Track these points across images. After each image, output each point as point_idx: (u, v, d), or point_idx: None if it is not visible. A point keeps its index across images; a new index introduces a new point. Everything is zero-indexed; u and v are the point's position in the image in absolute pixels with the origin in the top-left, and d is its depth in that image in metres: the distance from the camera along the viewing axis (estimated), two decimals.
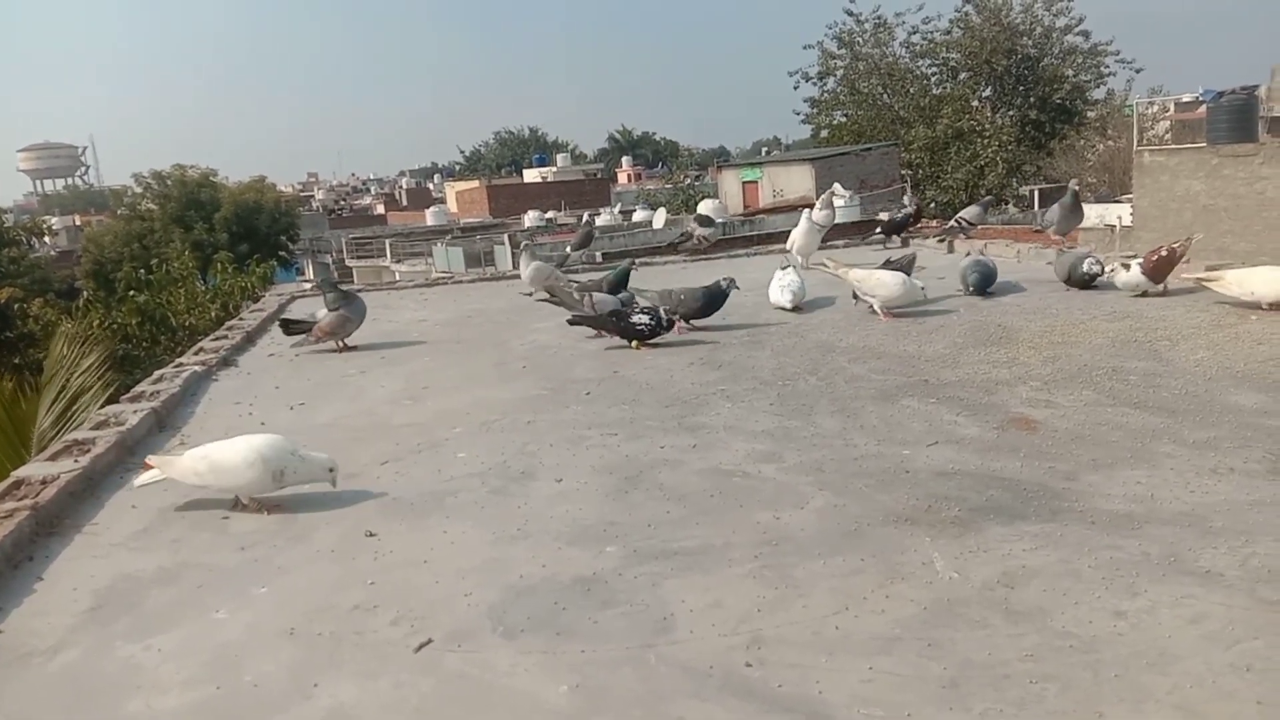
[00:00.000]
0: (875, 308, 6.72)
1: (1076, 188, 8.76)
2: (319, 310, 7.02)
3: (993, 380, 4.93)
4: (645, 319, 6.20)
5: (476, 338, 7.07)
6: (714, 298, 6.62)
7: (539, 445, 4.34)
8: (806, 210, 9.21)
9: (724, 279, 6.68)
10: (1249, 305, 6.03)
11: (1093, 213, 25.66)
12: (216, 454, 3.69)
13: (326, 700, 2.41)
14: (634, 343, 6.23)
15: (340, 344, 6.90)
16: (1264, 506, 3.18)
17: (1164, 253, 6.71)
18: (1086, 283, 7.09)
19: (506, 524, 3.45)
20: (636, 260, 7.62)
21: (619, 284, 7.22)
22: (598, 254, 16.83)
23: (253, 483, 3.64)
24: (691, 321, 6.65)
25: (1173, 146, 23.59)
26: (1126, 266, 6.78)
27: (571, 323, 6.61)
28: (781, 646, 2.51)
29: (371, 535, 3.42)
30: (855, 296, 6.98)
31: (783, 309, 7.16)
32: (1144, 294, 6.71)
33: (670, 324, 6.24)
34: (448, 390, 5.56)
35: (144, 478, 3.87)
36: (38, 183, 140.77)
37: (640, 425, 4.55)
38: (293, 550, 3.36)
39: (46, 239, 38.37)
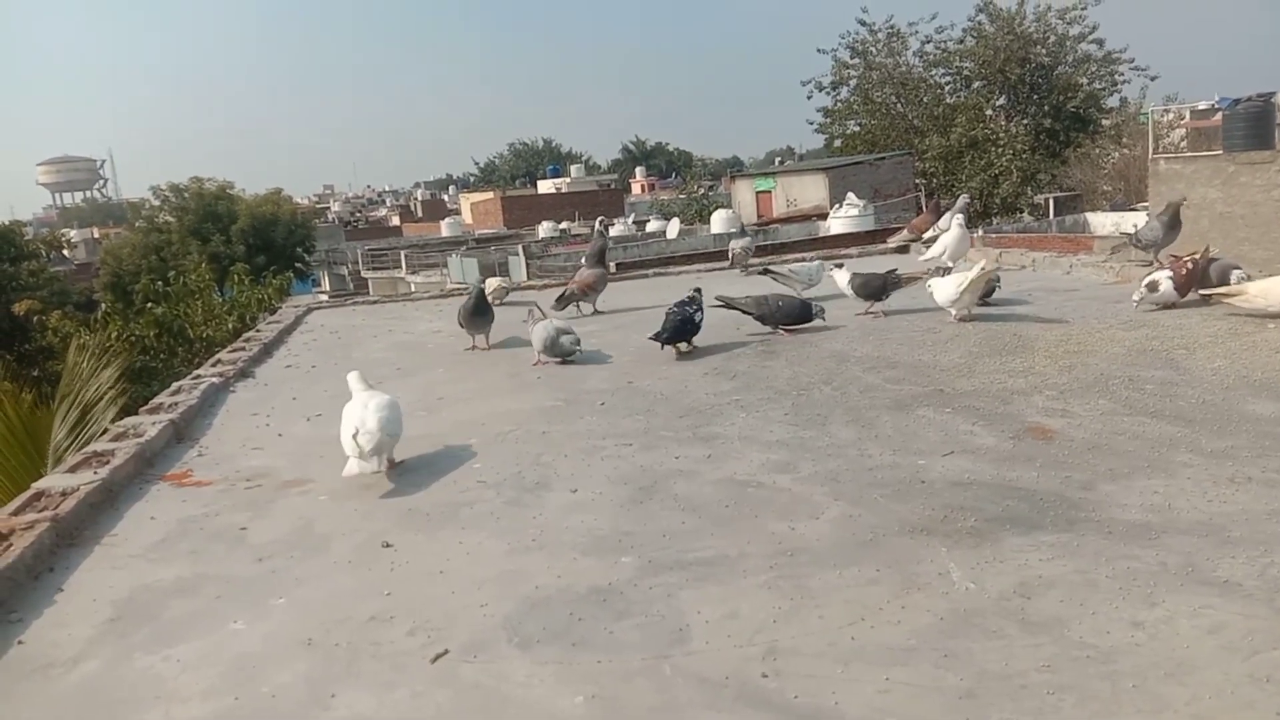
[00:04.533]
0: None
1: (1180, 200, 8.14)
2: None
3: (1008, 389, 4.91)
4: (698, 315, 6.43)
5: (491, 349, 7.09)
6: (808, 308, 6.71)
7: (554, 456, 4.36)
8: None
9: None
10: (1274, 316, 5.86)
11: (1109, 221, 25.61)
12: None
13: (344, 711, 2.43)
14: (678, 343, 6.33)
15: (593, 307, 8.26)
16: None
17: (1190, 265, 6.50)
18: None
19: (522, 534, 3.47)
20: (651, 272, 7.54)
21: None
22: (612, 265, 16.83)
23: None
24: (782, 329, 6.72)
25: (1189, 154, 23.51)
26: (1155, 287, 6.48)
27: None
28: (797, 657, 2.51)
29: (388, 546, 3.44)
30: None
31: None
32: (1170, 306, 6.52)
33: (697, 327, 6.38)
34: (463, 401, 5.59)
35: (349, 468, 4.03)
36: (57, 196, 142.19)
37: (655, 435, 4.56)
38: (310, 561, 3.38)
39: (65, 252, 38.70)
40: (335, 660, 2.67)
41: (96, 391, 8.78)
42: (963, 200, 9.13)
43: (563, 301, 8.24)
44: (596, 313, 8.35)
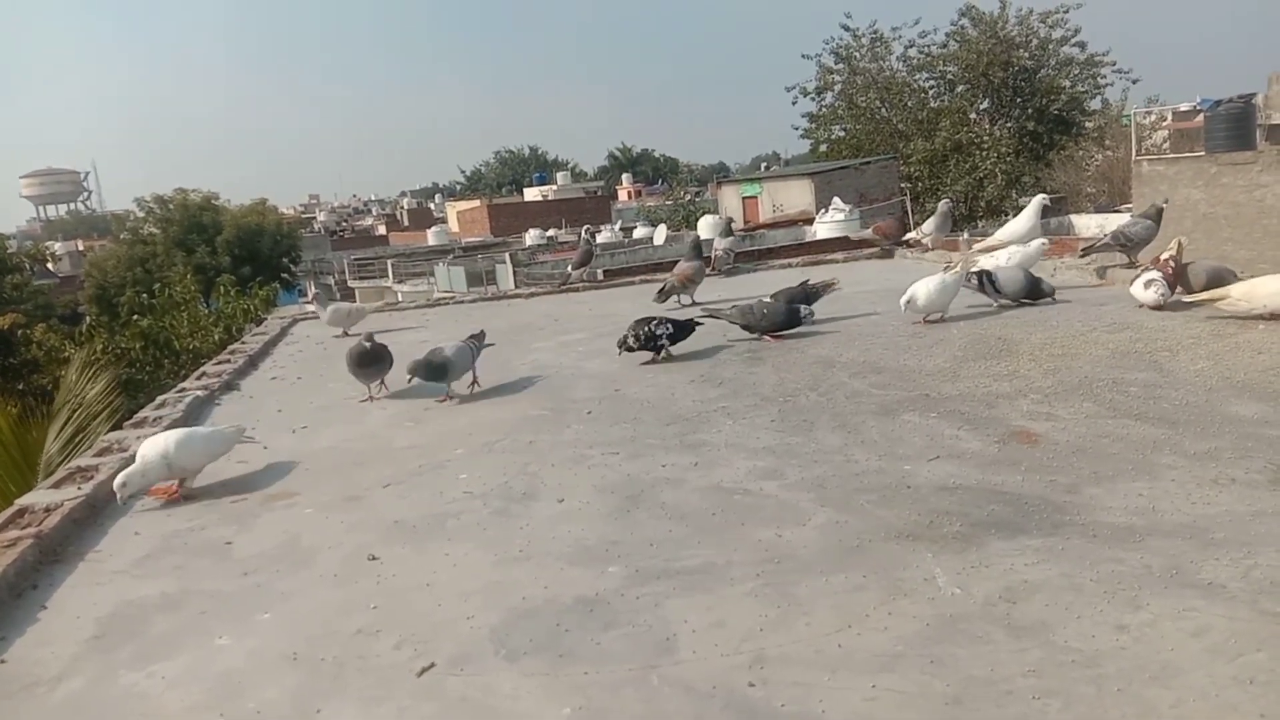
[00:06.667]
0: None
1: (1164, 204, 8.14)
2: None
3: (993, 393, 4.93)
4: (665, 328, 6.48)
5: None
6: (794, 314, 6.75)
7: (540, 465, 4.35)
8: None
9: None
10: (1259, 318, 5.85)
11: (1093, 223, 25.74)
12: None
13: None
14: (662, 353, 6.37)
15: (691, 298, 8.27)
16: (1266, 517, 3.17)
17: (1173, 264, 6.51)
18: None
19: (508, 545, 3.46)
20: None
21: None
22: (599, 272, 16.84)
23: None
24: (766, 336, 6.73)
25: (1171, 156, 23.69)
26: (1149, 285, 6.47)
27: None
28: (784, 665, 2.51)
29: (374, 559, 3.42)
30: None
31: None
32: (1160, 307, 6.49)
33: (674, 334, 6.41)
34: (449, 411, 5.57)
35: None
36: (40, 208, 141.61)
37: (641, 444, 4.56)
38: (295, 575, 3.36)
39: (49, 264, 38.54)
40: (321, 675, 2.66)
41: (91, 408, 8.74)
42: (944, 205, 9.20)
43: (663, 295, 8.27)
44: (693, 302, 8.26)
